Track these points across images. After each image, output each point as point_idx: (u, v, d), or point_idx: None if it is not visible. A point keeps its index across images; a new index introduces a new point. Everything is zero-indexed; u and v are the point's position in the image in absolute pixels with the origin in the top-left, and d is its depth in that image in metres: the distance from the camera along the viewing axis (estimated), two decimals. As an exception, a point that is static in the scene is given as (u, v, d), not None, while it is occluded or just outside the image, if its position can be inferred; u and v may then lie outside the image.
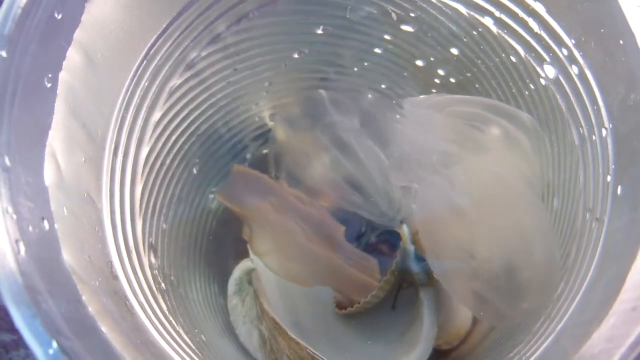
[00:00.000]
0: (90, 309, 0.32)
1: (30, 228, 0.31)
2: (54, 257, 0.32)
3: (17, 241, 0.30)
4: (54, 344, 0.28)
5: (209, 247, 0.53)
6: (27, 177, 0.32)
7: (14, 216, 0.30)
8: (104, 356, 0.31)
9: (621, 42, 0.35)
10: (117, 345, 0.32)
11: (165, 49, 0.42)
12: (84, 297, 0.32)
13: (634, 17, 0.34)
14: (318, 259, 0.47)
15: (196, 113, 0.47)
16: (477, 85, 0.48)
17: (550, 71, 0.42)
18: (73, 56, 0.35)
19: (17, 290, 0.28)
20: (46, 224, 0.32)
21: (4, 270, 0.28)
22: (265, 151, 0.54)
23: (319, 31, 0.48)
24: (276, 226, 0.47)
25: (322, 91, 0.51)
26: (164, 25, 0.41)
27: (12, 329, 0.61)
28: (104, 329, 0.32)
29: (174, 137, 0.46)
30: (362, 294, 0.47)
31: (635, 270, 0.32)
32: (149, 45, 0.40)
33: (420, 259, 0.52)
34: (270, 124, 0.53)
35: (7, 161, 0.31)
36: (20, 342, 0.61)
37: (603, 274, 0.35)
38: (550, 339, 0.36)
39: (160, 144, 0.44)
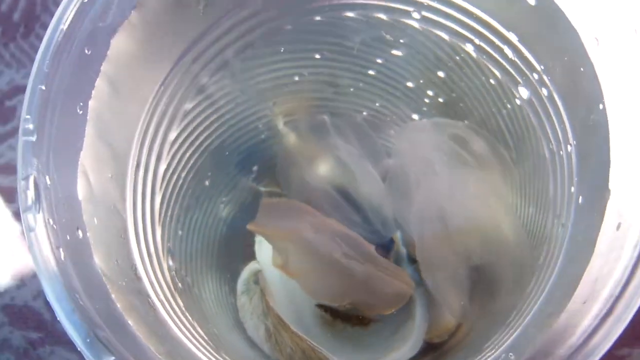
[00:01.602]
0: (119, 305, 0.36)
1: (68, 236, 0.35)
2: (88, 261, 0.36)
3: (58, 247, 0.34)
4: (91, 334, 0.33)
5: (220, 251, 0.56)
6: (64, 192, 0.36)
7: (55, 227, 0.35)
8: (132, 345, 0.35)
9: (582, 69, 0.38)
10: (142, 336, 0.36)
11: (179, 76, 0.45)
12: (113, 296, 0.36)
13: (592, 48, 0.37)
14: (356, 273, 0.49)
15: (208, 132, 0.51)
16: (461, 104, 0.51)
17: (524, 92, 0.45)
18: (100, 86, 0.39)
19: (59, 290, 0.33)
20: (80, 233, 0.37)
21: (48, 272, 0.33)
22: (271, 164, 0.58)
23: (317, 56, 0.52)
24: (316, 244, 0.49)
25: (325, 117, 0.55)
26: (179, 55, 0.44)
27: (39, 327, 0.65)
28: (131, 322, 0.36)
29: (188, 154, 0.49)
30: (398, 304, 0.50)
31: (589, 270, 0.35)
32: (165, 73, 0.44)
33: (412, 260, 0.56)
34: (282, 127, 0.57)
35: (47, 180, 0.35)
36: (46, 340, 0.64)
37: (565, 273, 0.39)
38: (519, 330, 0.39)
39: (176, 160, 0.48)
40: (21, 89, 0.71)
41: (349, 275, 0.48)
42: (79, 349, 0.32)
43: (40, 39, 0.70)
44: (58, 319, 0.33)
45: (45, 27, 0.71)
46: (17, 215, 0.66)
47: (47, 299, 0.33)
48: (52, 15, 0.71)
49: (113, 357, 0.32)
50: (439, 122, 0.50)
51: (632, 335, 0.40)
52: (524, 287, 0.44)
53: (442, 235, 0.48)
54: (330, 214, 0.54)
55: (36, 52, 0.70)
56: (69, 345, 0.63)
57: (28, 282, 0.65)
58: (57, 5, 0.69)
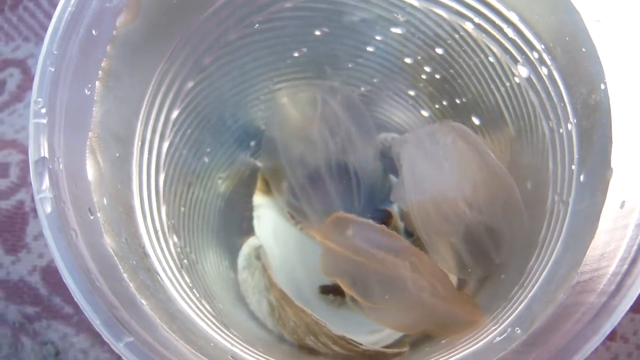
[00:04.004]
0: (132, 285, 0.37)
1: (80, 218, 0.36)
2: (99, 241, 0.37)
3: (72, 229, 0.34)
4: (109, 315, 0.33)
5: (219, 226, 0.57)
6: (74, 173, 0.36)
7: (68, 208, 0.35)
8: (147, 324, 0.35)
9: (584, 50, 0.39)
10: (155, 315, 0.36)
11: (182, 56, 0.45)
12: (125, 275, 0.37)
13: (593, 29, 0.38)
14: (437, 311, 0.47)
15: (208, 109, 0.51)
16: (459, 81, 0.52)
17: (523, 71, 0.45)
18: (106, 66, 0.39)
19: (76, 272, 0.33)
20: (90, 214, 0.37)
21: (66, 255, 0.33)
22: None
23: (317, 33, 0.52)
24: (409, 283, 0.47)
25: (318, 94, 0.55)
26: (182, 36, 0.44)
27: (35, 302, 0.65)
28: (144, 302, 0.37)
29: (189, 131, 0.50)
30: (467, 332, 0.47)
31: (592, 247, 0.36)
32: (168, 54, 0.44)
33: (409, 234, 0.57)
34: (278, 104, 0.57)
35: (58, 162, 0.35)
36: (42, 314, 0.64)
37: (567, 249, 0.40)
38: (523, 304, 0.40)
39: (178, 138, 0.48)
40: (10, 63, 0.70)
41: (429, 312, 0.47)
42: (97, 330, 0.33)
43: (28, 11, 0.70)
44: (75, 300, 0.33)
45: (33, -1, 0.70)
46: (10, 190, 0.66)
47: (64, 281, 0.33)
48: (39, -13, 0.71)
49: (132, 338, 0.33)
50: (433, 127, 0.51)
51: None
52: (520, 247, 0.45)
53: (434, 203, 0.49)
54: (325, 187, 0.55)
55: (25, 24, 0.70)
56: (66, 319, 0.64)
57: (23, 257, 0.65)
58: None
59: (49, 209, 0.34)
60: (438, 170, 0.49)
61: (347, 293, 0.48)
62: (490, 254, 0.49)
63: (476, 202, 0.48)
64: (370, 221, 0.49)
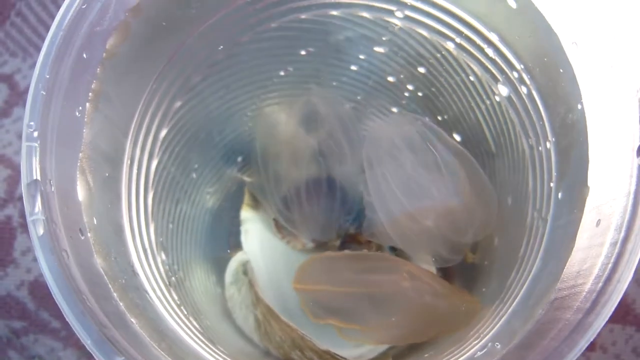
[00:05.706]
0: (121, 304, 0.37)
1: (72, 238, 0.36)
2: (90, 261, 0.37)
3: (64, 250, 0.35)
4: (100, 335, 0.34)
5: (207, 241, 0.57)
6: (65, 194, 0.37)
7: (59, 230, 0.36)
8: (137, 343, 0.36)
9: (561, 70, 0.40)
10: (145, 334, 0.37)
11: (171, 76, 0.46)
12: (115, 295, 0.37)
13: (570, 51, 0.39)
14: (440, 309, 0.48)
15: (196, 127, 0.51)
16: (441, 99, 0.53)
17: (503, 90, 0.46)
18: (96, 89, 0.39)
19: (68, 293, 0.34)
20: (82, 234, 0.38)
21: (58, 276, 0.34)
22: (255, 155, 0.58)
23: (302, 52, 0.53)
24: (411, 291, 0.48)
25: (310, 102, 0.55)
26: (171, 57, 0.45)
27: (22, 317, 0.65)
28: (134, 320, 0.37)
29: (177, 149, 0.50)
30: (470, 322, 0.47)
31: (569, 264, 0.37)
32: (157, 74, 0.45)
33: (392, 248, 0.58)
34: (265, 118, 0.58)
35: (50, 184, 0.36)
36: (29, 329, 0.64)
37: (546, 266, 0.40)
38: (503, 319, 0.41)
39: (166, 156, 0.49)
40: (-3, 78, 0.70)
41: (433, 311, 0.48)
42: (88, 350, 0.33)
43: (16, 27, 0.70)
44: (67, 320, 0.34)
45: (21, 14, 0.71)
46: (-3, 205, 0.66)
47: (56, 302, 0.34)
48: (28, 3, 0.71)
49: (122, 357, 0.33)
50: (410, 115, 0.52)
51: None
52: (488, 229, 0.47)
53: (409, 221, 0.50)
54: (312, 202, 0.56)
55: (12, 40, 0.70)
56: (53, 333, 0.64)
57: (11, 272, 0.65)
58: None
59: (41, 231, 0.34)
60: (407, 195, 0.50)
61: (339, 328, 0.49)
62: (462, 238, 0.50)
63: (448, 198, 0.49)
64: (346, 251, 0.51)
